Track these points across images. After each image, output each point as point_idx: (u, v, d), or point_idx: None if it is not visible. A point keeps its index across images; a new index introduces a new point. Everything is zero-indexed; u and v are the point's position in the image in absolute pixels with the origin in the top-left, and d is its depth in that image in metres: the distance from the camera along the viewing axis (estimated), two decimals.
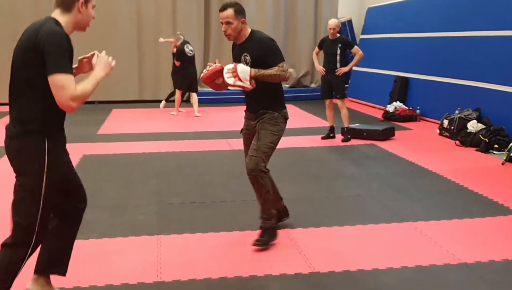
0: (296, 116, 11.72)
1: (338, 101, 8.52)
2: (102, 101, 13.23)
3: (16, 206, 2.88)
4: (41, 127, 2.85)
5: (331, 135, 8.75)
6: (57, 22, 2.85)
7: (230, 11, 4.14)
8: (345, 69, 8.42)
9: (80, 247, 4.20)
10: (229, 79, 4.05)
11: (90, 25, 3.04)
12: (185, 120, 11.03)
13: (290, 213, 4.82)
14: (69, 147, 3.11)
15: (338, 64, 8.42)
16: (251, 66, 4.13)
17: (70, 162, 3.17)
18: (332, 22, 8.41)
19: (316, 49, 8.80)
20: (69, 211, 3.21)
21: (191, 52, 11.19)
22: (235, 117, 11.10)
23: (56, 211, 3.12)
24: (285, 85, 14.65)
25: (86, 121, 10.48)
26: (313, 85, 14.75)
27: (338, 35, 8.46)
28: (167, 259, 4.05)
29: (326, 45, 8.54)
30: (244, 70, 4.06)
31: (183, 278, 3.73)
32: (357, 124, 9.02)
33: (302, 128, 9.85)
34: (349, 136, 8.57)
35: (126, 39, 13.63)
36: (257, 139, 4.24)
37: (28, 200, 2.86)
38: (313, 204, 5.44)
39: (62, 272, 3.27)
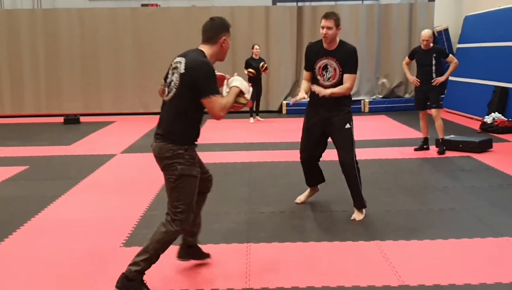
0: (389, 127, 11.56)
1: (432, 111, 8.29)
2: None
3: None
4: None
5: (425, 146, 8.54)
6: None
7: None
8: (441, 79, 8.20)
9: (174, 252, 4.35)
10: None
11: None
12: (276, 130, 11.14)
13: (381, 224, 4.75)
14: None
15: (434, 75, 8.22)
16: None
17: None
18: (426, 33, 8.22)
19: (407, 59, 8.60)
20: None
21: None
22: None
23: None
24: (379, 96, 14.46)
25: None
26: (407, 96, 14.45)
27: (432, 45, 8.27)
28: (256, 267, 4.13)
29: (419, 55, 8.35)
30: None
31: (271, 286, 3.80)
32: (452, 136, 8.77)
33: (395, 139, 9.71)
34: (444, 148, 8.33)
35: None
36: None
37: None
38: (405, 217, 5.34)
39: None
